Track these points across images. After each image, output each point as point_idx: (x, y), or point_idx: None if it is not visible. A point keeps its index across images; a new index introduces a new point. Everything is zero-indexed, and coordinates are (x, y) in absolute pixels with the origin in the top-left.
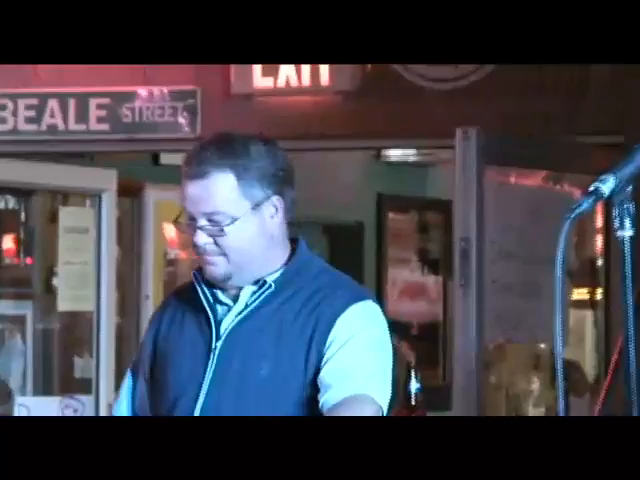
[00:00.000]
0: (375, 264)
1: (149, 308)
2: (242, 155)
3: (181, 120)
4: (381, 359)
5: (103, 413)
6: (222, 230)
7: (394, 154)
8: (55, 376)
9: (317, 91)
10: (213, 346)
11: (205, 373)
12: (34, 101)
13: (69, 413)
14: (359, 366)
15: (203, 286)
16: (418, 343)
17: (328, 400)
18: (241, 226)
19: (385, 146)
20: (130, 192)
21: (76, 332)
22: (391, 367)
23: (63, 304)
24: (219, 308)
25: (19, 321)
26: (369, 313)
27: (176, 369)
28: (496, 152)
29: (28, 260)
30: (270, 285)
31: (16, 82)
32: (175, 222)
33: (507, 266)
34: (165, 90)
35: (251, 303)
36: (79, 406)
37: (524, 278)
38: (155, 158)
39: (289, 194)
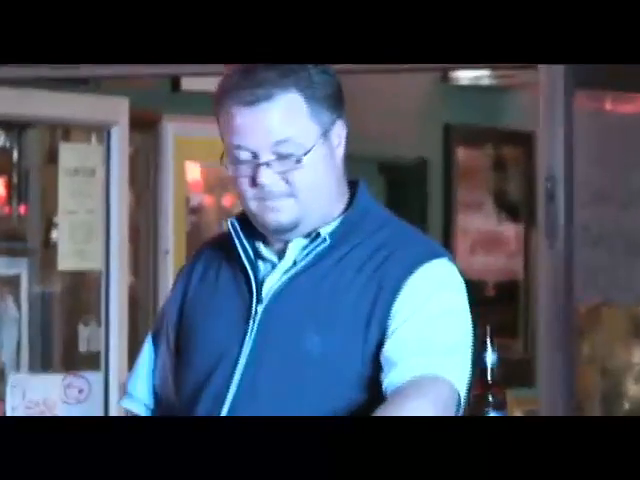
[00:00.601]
0: (442, 209)
1: (168, 265)
2: (302, 71)
3: None
4: (458, 331)
5: (114, 393)
6: (299, 162)
7: (464, 76)
8: (56, 349)
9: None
10: (253, 311)
11: (243, 343)
12: None
13: (73, 393)
14: (431, 340)
15: (242, 238)
16: (494, 307)
17: (392, 381)
18: (314, 157)
19: (453, 66)
20: (145, 125)
21: (81, 295)
22: (471, 340)
23: (65, 262)
24: (261, 265)
25: (12, 283)
26: (444, 274)
27: (207, 338)
28: (588, 72)
29: (22, 209)
30: (325, 239)
31: None
32: (222, 162)
33: (603, 212)
34: None
35: (301, 260)
36: (85, 385)
37: (624, 226)
38: (174, 83)
39: (345, 119)
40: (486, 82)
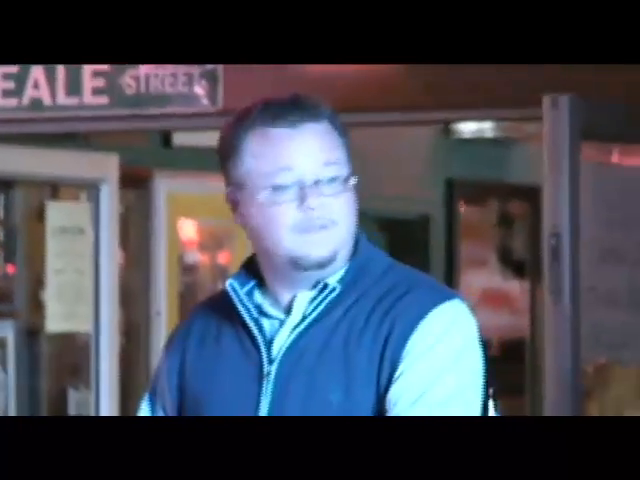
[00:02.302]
0: (444, 266)
1: (161, 327)
2: (328, 108)
3: (198, 90)
4: (469, 374)
5: None
6: (347, 182)
7: (467, 129)
8: (44, 413)
9: None
10: (265, 371)
11: (258, 404)
12: (13, 69)
13: None
14: (438, 384)
15: (243, 297)
16: (499, 366)
17: None
18: (352, 186)
19: (456, 118)
20: (136, 182)
21: (70, 358)
22: (482, 384)
23: (53, 323)
24: (266, 323)
25: None
26: (458, 316)
27: (217, 403)
28: (595, 124)
29: (9, 269)
30: (334, 288)
31: None
32: (228, 193)
33: (610, 269)
34: None
35: (310, 313)
36: None
37: (633, 284)
38: (166, 139)
39: None
40: (490, 135)
